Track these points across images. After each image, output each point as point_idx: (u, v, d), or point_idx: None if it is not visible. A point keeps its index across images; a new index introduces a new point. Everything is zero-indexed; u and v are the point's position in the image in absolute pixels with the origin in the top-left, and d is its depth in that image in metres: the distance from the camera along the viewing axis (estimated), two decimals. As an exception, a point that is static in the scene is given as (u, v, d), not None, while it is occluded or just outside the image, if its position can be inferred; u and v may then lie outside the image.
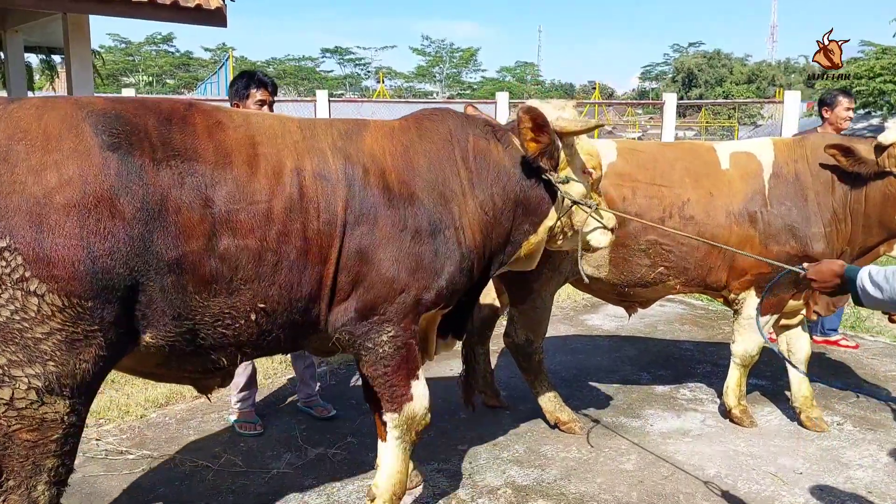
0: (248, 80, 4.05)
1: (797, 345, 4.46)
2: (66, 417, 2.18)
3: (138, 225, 2.18)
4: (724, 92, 50.19)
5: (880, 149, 3.84)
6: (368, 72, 66.87)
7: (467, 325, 3.47)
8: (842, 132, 5.44)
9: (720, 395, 4.57)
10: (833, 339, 6.14)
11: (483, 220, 2.98)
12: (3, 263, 2.00)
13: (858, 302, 2.38)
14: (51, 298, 2.05)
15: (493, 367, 4.78)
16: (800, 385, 4.43)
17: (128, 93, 13.11)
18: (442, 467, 3.83)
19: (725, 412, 4.48)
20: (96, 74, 7.67)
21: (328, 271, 2.62)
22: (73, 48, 6.94)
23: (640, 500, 3.54)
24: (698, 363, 5.68)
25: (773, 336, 4.71)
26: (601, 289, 4.37)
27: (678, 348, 6.10)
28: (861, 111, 22.60)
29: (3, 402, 2.08)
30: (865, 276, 2.33)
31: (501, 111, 12.39)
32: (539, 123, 2.92)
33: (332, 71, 66.22)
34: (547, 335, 4.43)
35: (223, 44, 56.80)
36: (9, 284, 2.01)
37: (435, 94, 61.18)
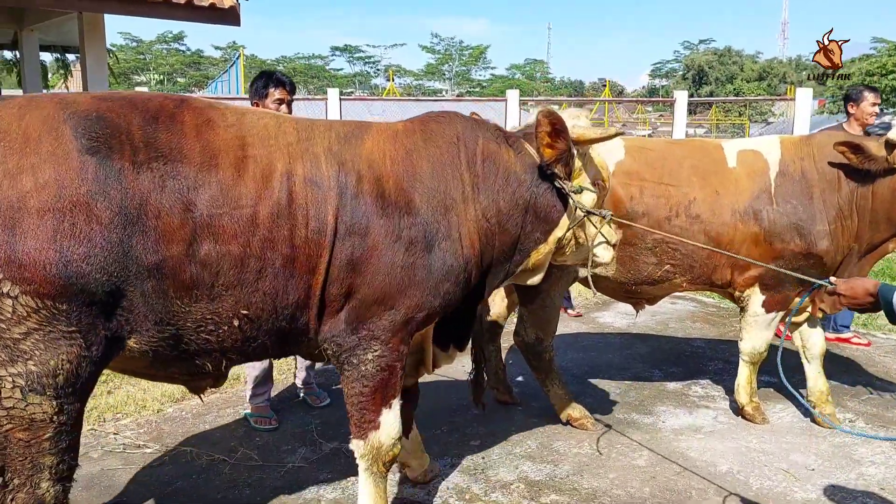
0: (267, 79, 4.16)
1: (811, 340, 4.48)
2: (55, 417, 2.17)
3: (116, 230, 2.16)
4: (734, 89, 49.98)
5: (890, 145, 3.85)
6: (378, 70, 67.00)
7: (469, 335, 3.33)
8: (866, 128, 5.43)
9: (732, 391, 4.58)
10: (845, 336, 6.14)
11: (484, 228, 2.86)
12: None
13: (894, 321, 2.38)
14: (24, 300, 2.05)
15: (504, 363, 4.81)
16: (815, 380, 4.44)
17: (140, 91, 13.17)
18: (455, 462, 3.86)
19: (737, 409, 4.50)
20: (109, 73, 7.72)
21: (317, 281, 2.54)
22: (88, 47, 7.01)
23: (653, 495, 3.56)
24: (710, 360, 5.69)
25: (789, 334, 4.71)
26: (608, 286, 4.40)
27: (690, 345, 6.11)
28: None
29: None
30: None
31: (512, 109, 12.36)
32: (557, 129, 2.84)
33: (341, 69, 66.43)
34: (558, 332, 4.46)
35: (233, 42, 57.02)
36: None
37: (444, 92, 61.22)
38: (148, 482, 3.61)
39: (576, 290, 7.11)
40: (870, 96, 5.56)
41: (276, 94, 4.11)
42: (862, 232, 4.05)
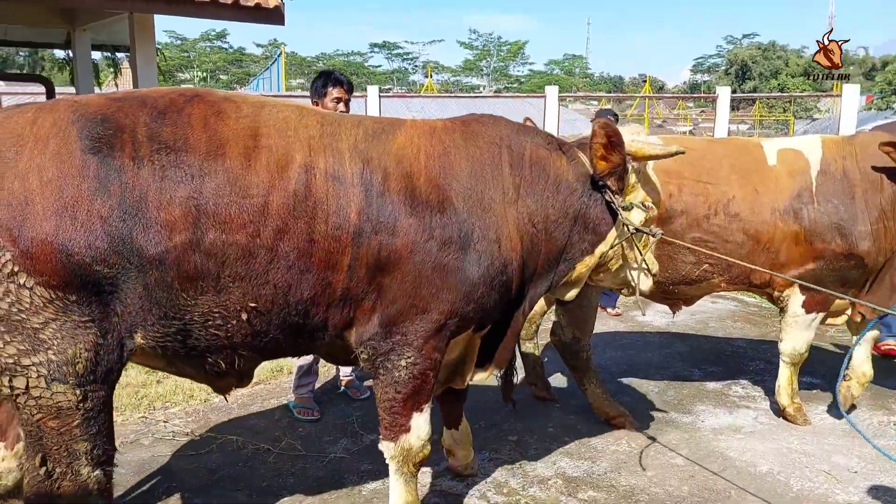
0: (325, 78, 4.29)
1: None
2: (80, 404, 2.25)
3: (116, 223, 2.21)
4: (779, 85, 48.90)
5: None
6: (416, 66, 67.15)
7: (509, 351, 3.15)
8: None
9: (773, 392, 4.54)
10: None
11: (531, 233, 2.81)
12: None
13: None
14: (39, 291, 2.16)
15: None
16: (863, 363, 4.37)
17: (186, 89, 13.43)
18: (493, 457, 3.91)
19: (778, 410, 4.46)
20: (157, 71, 7.94)
21: (337, 278, 2.49)
22: (138, 46, 7.21)
23: (691, 494, 3.56)
24: (751, 360, 5.63)
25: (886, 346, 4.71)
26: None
27: (730, 345, 6.05)
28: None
29: (20, 391, 2.20)
30: None
31: (551, 106, 12.29)
32: (613, 142, 2.79)
33: (380, 66, 66.77)
34: (597, 331, 4.47)
35: (275, 40, 57.81)
36: (3, 279, 2.14)
37: (482, 88, 61.14)
38: (196, 469, 3.74)
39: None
40: None
41: (333, 92, 4.22)
42: None
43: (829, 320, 4.38)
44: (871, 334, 4.43)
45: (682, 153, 3.08)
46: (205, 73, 53.48)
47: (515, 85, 62.08)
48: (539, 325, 4.73)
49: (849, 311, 4.29)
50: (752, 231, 4.06)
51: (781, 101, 36.86)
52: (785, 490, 3.61)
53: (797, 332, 4.26)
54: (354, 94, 4.51)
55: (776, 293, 4.28)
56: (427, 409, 2.81)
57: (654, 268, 3.15)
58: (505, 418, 4.40)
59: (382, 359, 2.68)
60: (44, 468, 2.31)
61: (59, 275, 2.16)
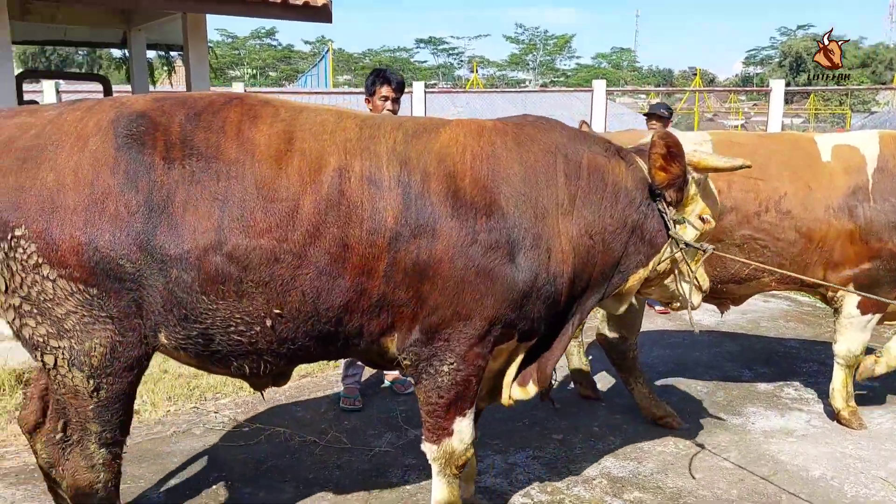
0: (375, 77, 4.35)
1: None
2: (93, 393, 2.35)
3: (141, 220, 2.24)
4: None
5: None
6: (461, 61, 67.07)
7: (550, 368, 2.97)
8: None
9: (827, 395, 4.42)
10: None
11: (587, 245, 2.70)
12: (21, 250, 2.22)
13: None
14: (62, 283, 2.23)
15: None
16: None
17: (236, 86, 13.76)
18: (537, 455, 3.90)
19: (832, 413, 4.33)
20: (209, 69, 8.13)
21: (373, 284, 2.43)
22: (191, 45, 7.40)
23: (741, 498, 3.49)
24: (804, 361, 5.49)
25: None
26: None
27: (782, 346, 5.91)
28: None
29: (50, 367, 2.34)
30: None
31: (598, 100, 12.15)
32: (673, 152, 2.70)
33: (425, 61, 66.84)
34: (645, 329, 4.42)
35: (322, 37, 58.25)
36: (29, 269, 2.23)
37: (528, 83, 60.76)
38: (245, 459, 3.82)
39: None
40: None
41: (382, 90, 4.27)
42: None
43: (888, 322, 4.25)
44: None
45: (749, 167, 2.95)
46: (254, 71, 54.40)
47: (562, 79, 61.41)
48: (584, 323, 4.68)
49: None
50: (805, 229, 3.96)
51: (838, 94, 35.71)
52: (839, 496, 3.51)
53: (852, 333, 4.13)
54: (400, 90, 4.53)
55: (830, 293, 4.16)
56: (470, 413, 2.76)
57: (705, 284, 3.04)
58: (549, 417, 4.38)
59: (425, 364, 2.63)
60: (62, 433, 2.63)
61: (81, 268, 2.23)
